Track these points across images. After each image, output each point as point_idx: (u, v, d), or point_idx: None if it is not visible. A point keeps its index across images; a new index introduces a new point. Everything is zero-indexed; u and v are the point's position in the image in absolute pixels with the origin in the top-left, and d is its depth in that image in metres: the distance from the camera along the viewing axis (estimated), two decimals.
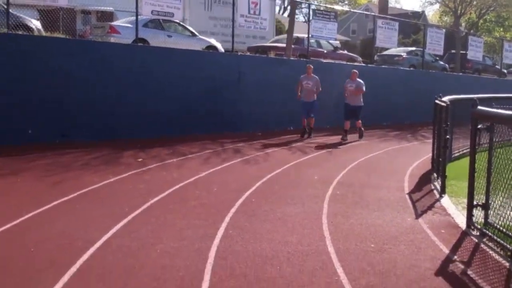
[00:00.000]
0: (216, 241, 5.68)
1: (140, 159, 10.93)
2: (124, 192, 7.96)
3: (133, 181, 8.78)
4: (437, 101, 10.16)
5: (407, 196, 8.32)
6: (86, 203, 7.22)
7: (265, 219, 6.60)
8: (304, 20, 53.03)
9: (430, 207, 7.63)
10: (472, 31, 34.25)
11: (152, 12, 15.05)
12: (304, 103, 15.38)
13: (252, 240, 5.74)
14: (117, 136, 13.34)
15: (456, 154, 12.04)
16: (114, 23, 17.53)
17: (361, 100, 15.80)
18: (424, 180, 9.71)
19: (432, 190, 8.82)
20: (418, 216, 7.09)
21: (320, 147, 13.80)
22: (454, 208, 7.48)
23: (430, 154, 11.10)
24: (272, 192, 8.22)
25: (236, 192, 8.11)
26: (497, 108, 7.24)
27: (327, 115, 18.31)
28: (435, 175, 9.59)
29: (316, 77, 15.41)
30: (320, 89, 15.42)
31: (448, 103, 9.30)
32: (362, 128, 16.03)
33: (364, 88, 15.61)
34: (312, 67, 15.63)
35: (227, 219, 6.54)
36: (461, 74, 27.57)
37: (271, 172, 9.87)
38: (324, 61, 20.85)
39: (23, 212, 6.52)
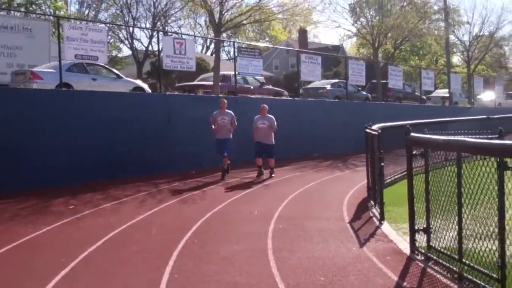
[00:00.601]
0: (162, 286, 5.47)
1: (72, 206, 10.53)
2: (59, 242, 7.60)
3: (67, 230, 8.42)
4: (368, 130, 10.37)
5: (348, 225, 8.38)
6: (20, 256, 6.84)
7: (210, 260, 6.45)
8: (227, 57, 53.60)
9: (372, 234, 7.70)
10: (389, 61, 35.58)
11: (75, 56, 14.77)
12: (218, 141, 14.23)
13: (200, 284, 5.57)
14: (45, 184, 12.81)
15: (388, 180, 12.27)
16: (36, 69, 17.04)
17: (273, 138, 14.75)
18: (362, 208, 9.82)
19: (371, 217, 8.92)
20: (362, 244, 7.13)
21: (254, 182, 13.76)
22: (395, 234, 7.57)
23: (364, 182, 11.28)
24: (213, 231, 8.07)
25: (177, 233, 7.91)
26: (429, 133, 7.44)
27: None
28: (372, 202, 9.74)
29: (231, 112, 14.41)
30: (236, 124, 14.41)
31: (379, 131, 9.50)
32: (273, 168, 14.94)
33: (276, 125, 14.67)
34: (226, 102, 14.65)
35: (171, 262, 6.34)
36: (383, 102, 28.48)
37: (210, 211, 9.72)
38: (253, 96, 21.04)
39: None
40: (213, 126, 14.12)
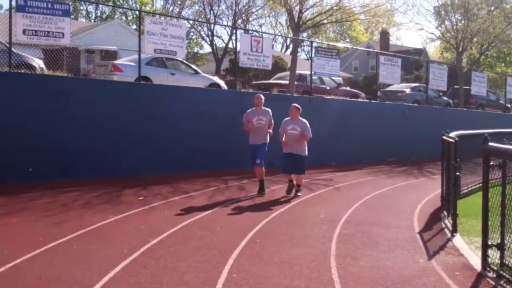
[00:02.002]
0: (219, 286, 5.40)
1: (141, 198, 10.71)
2: (124, 233, 7.70)
3: (134, 221, 8.53)
4: (444, 137, 9.95)
5: (417, 235, 8.03)
6: (85, 244, 6.95)
7: (271, 261, 6.32)
8: (306, 57, 53.36)
9: (442, 247, 7.33)
10: (474, 66, 34.30)
11: (155, 50, 15.02)
12: (253, 147, 11.43)
13: (257, 285, 5.45)
14: (119, 173, 13.14)
15: (464, 191, 11.74)
16: (117, 61, 17.51)
17: (306, 148, 11.55)
18: (434, 218, 9.42)
19: (443, 228, 8.53)
20: (430, 257, 6.80)
21: (325, 184, 13.54)
22: (467, 248, 7.18)
23: (439, 191, 10.86)
24: (277, 232, 7.94)
25: (240, 232, 7.84)
26: (509, 143, 7.03)
27: (330, 151, 18.21)
28: (445, 213, 9.32)
29: (269, 110, 11.63)
30: (273, 124, 11.68)
31: (457, 139, 9.08)
32: (301, 185, 11.80)
33: (310, 133, 11.47)
34: (263, 97, 11.70)
35: (230, 261, 6.26)
36: (465, 109, 27.47)
37: (276, 211, 9.61)
38: (328, 97, 20.79)
39: (18, 254, 6.26)
40: (248, 128, 11.49)
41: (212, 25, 43.68)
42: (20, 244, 6.84)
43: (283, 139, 11.41)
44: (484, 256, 6.16)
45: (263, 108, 11.56)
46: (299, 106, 11.58)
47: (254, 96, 11.77)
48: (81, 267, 5.91)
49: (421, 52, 53.65)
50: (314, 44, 20.77)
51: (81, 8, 49.09)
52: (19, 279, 5.48)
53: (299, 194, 11.46)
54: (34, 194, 10.68)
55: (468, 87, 27.82)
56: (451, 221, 8.37)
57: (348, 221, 8.93)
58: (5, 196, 10.37)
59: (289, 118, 11.50)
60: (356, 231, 8.16)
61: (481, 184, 9.18)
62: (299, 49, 32.02)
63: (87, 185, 11.74)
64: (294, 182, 11.57)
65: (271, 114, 11.59)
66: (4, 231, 7.69)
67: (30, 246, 6.72)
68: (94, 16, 49.98)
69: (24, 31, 12.58)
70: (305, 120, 11.44)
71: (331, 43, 35.89)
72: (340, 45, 46.95)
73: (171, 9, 46.43)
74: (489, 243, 6.10)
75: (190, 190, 11.83)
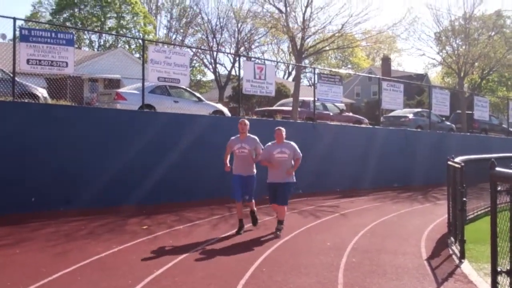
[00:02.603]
0: None
1: (145, 227, 10.62)
2: (128, 263, 7.61)
3: (138, 251, 8.43)
4: (450, 163, 9.88)
5: (425, 262, 7.92)
6: (88, 275, 6.86)
7: None
8: (308, 84, 53.55)
9: (451, 274, 7.23)
10: (476, 91, 34.36)
11: (158, 78, 15.07)
12: (237, 178, 10.21)
13: None
14: (122, 202, 13.06)
15: (470, 216, 11.64)
16: (121, 90, 17.57)
17: (294, 174, 10.31)
18: (441, 245, 9.31)
19: (450, 255, 8.42)
20: (439, 284, 6.70)
21: (330, 211, 13.43)
22: (476, 275, 7.08)
23: (445, 217, 10.77)
24: (283, 261, 7.84)
25: (246, 261, 7.74)
26: None
27: (334, 177, 18.16)
28: (452, 239, 9.22)
29: (255, 137, 10.42)
30: (260, 154, 10.32)
31: (463, 164, 9.02)
32: (283, 220, 10.24)
33: (300, 154, 10.39)
34: (247, 122, 10.55)
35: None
36: (468, 134, 27.43)
37: (281, 239, 9.51)
38: (332, 123, 20.81)
39: (21, 286, 6.20)
40: (227, 161, 10.43)
41: (215, 53, 43.94)
42: (24, 275, 6.77)
43: (269, 166, 10.16)
44: (494, 283, 6.04)
45: (248, 135, 10.40)
46: (283, 129, 10.33)
47: (239, 121, 10.61)
48: None
49: (422, 77, 53.89)
50: (317, 71, 20.82)
51: (85, 37, 49.47)
52: None
53: (278, 232, 9.89)
54: (37, 224, 10.61)
55: (470, 112, 27.83)
56: (458, 247, 8.27)
57: (355, 248, 8.83)
58: (8, 226, 10.31)
59: (271, 142, 10.31)
60: (363, 258, 8.06)
61: (487, 209, 9.13)
62: (301, 76, 32.17)
63: (91, 215, 11.67)
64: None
65: (258, 141, 10.36)
66: (8, 262, 7.61)
67: (33, 277, 6.64)
68: (97, 45, 50.32)
69: (28, 61, 12.64)
70: (292, 142, 10.31)
71: (333, 69, 36.01)
72: (343, 71, 47.13)
73: (174, 37, 46.81)
74: (499, 269, 5.98)
75: (195, 218, 11.75)
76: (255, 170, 10.38)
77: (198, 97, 18.42)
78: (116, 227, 10.56)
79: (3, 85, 13.37)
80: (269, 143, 10.31)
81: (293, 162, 10.24)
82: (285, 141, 10.25)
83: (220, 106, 19.22)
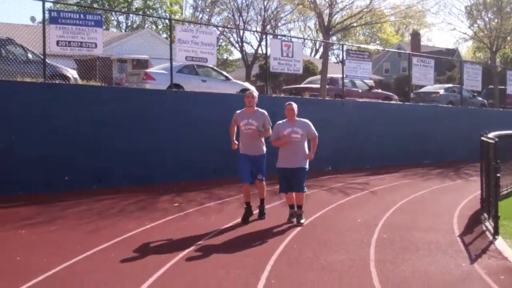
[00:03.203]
0: None
1: (176, 204, 10.72)
2: (160, 240, 7.69)
3: (169, 228, 8.52)
4: (483, 138, 9.71)
5: (458, 239, 7.84)
6: (121, 252, 6.95)
7: (309, 267, 6.22)
8: (336, 61, 53.08)
9: (485, 250, 7.13)
10: (508, 66, 33.65)
11: (186, 58, 15.08)
12: (245, 157, 8.99)
13: None
14: (154, 180, 13.20)
15: (504, 192, 11.45)
16: (149, 70, 17.65)
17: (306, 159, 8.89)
18: (474, 221, 9.19)
19: (484, 231, 8.31)
20: (472, 260, 6.61)
21: (360, 188, 13.37)
22: (510, 251, 6.97)
23: (477, 193, 10.61)
24: (314, 237, 7.84)
25: (277, 237, 7.76)
26: None
27: (364, 155, 18.04)
28: (485, 215, 9.08)
29: (263, 111, 9.08)
30: (271, 130, 9.00)
31: (496, 139, 8.85)
32: (302, 209, 8.95)
33: (316, 132, 9.01)
34: (256, 95, 9.28)
35: (268, 267, 6.18)
36: (501, 109, 26.95)
37: (312, 216, 9.49)
38: (360, 100, 20.64)
39: (57, 263, 6.29)
40: (234, 137, 9.27)
41: (242, 31, 43.77)
42: (58, 252, 6.88)
43: (280, 148, 8.88)
44: None
45: (257, 109, 9.08)
46: (295, 105, 8.95)
47: (246, 94, 9.33)
48: (119, 275, 5.91)
49: (453, 52, 52.95)
50: (345, 47, 20.60)
51: (112, 18, 49.69)
52: (58, 286, 5.49)
53: (302, 221, 8.77)
54: (70, 202, 10.78)
55: (503, 87, 27.29)
56: (492, 223, 8.15)
57: (386, 225, 8.78)
58: (42, 204, 10.50)
59: (282, 121, 8.96)
60: (394, 235, 8.00)
61: None
62: (329, 53, 31.91)
63: (122, 193, 11.81)
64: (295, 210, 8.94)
65: (266, 116, 9.00)
66: (42, 239, 7.75)
67: (68, 254, 6.75)
68: (125, 26, 50.55)
69: (57, 42, 12.75)
70: (306, 120, 8.98)
71: (362, 46, 35.60)
72: (372, 47, 46.47)
73: (200, 16, 46.72)
74: None
75: (225, 196, 11.80)
76: (265, 148, 9.06)
77: (225, 76, 18.42)
78: (148, 205, 10.68)
79: (34, 67, 13.52)
80: (280, 122, 8.93)
81: (306, 150, 8.84)
82: (297, 118, 8.87)
83: (247, 85, 19.19)
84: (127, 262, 6.43)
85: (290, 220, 8.88)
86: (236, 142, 9.12)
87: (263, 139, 9.06)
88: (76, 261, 6.48)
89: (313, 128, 8.91)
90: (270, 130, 8.98)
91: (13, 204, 10.54)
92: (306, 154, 8.81)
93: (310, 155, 8.85)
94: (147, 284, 5.57)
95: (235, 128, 9.30)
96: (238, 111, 9.28)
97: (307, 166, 8.84)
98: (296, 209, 8.92)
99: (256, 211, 9.35)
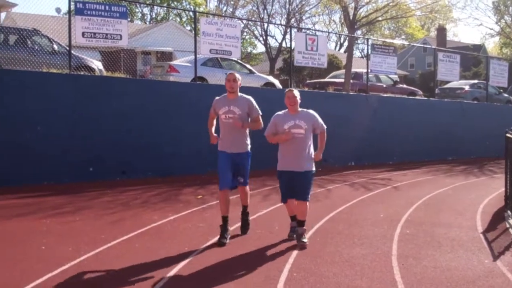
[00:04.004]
0: (280, 285, 5.36)
1: (199, 196, 10.79)
2: (183, 231, 7.77)
3: (193, 219, 8.60)
4: (508, 135, 9.61)
5: (481, 235, 7.78)
6: (146, 242, 7.04)
7: (331, 261, 6.24)
8: (360, 55, 52.74)
9: (508, 247, 7.08)
10: None
11: (210, 51, 15.13)
12: (223, 155, 7.33)
13: (318, 284, 5.39)
14: (176, 172, 13.30)
15: None
16: (173, 62, 17.75)
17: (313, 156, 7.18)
18: (497, 218, 9.11)
19: (507, 228, 8.24)
20: (495, 257, 6.57)
21: (383, 184, 13.32)
22: None
23: (501, 190, 10.51)
24: (336, 232, 7.85)
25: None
26: None
27: (387, 150, 17.95)
28: (509, 212, 9.01)
29: (249, 97, 7.43)
30: (261, 124, 7.44)
31: None
32: (304, 226, 7.16)
33: (324, 124, 7.33)
34: (238, 77, 7.39)
35: (290, 260, 6.22)
36: None
37: (334, 210, 9.51)
38: (385, 95, 20.53)
39: (81, 252, 6.40)
40: (212, 129, 7.59)
41: (266, 24, 43.73)
42: (84, 242, 6.99)
43: (279, 146, 7.27)
44: None
45: (241, 95, 7.39)
46: (297, 93, 7.15)
47: (227, 74, 7.54)
48: (143, 265, 5.99)
49: (479, 48, 52.26)
50: (370, 41, 20.49)
51: (137, 10, 49.96)
52: (84, 276, 5.58)
53: (304, 240, 7.00)
54: (95, 193, 10.92)
55: None
56: None
57: (409, 220, 8.75)
58: (68, 195, 10.66)
59: (283, 111, 7.26)
60: (417, 230, 7.98)
61: None
62: (353, 47, 31.73)
63: (146, 184, 11.94)
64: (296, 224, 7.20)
65: (253, 103, 7.36)
66: (68, 229, 7.87)
67: (92, 243, 6.85)
68: (149, 18, 50.80)
69: (83, 34, 12.88)
70: (311, 111, 7.29)
71: (387, 40, 35.33)
72: (397, 42, 46.12)
73: (224, 9, 46.77)
74: None
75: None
76: (249, 145, 7.45)
77: (249, 69, 18.46)
78: (171, 197, 10.78)
79: (60, 58, 13.70)
80: (279, 113, 7.24)
81: (312, 149, 7.19)
82: (300, 109, 7.19)
83: (271, 78, 19.20)
84: (151, 252, 6.51)
85: (290, 235, 7.33)
86: (216, 136, 7.44)
87: (247, 132, 7.40)
88: (100, 250, 6.58)
89: (320, 120, 7.22)
90: (261, 121, 7.38)
91: (38, 194, 10.71)
92: (312, 153, 7.15)
93: (317, 154, 7.20)
94: (172, 273, 5.65)
95: (214, 118, 7.68)
96: (217, 97, 7.57)
97: (313, 169, 7.14)
98: (296, 225, 7.17)
99: (235, 226, 7.78)
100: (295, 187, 7.03)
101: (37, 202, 9.92)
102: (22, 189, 10.96)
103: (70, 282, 5.37)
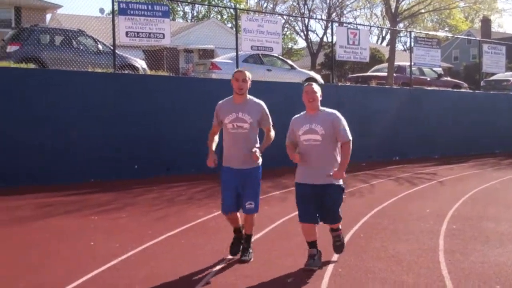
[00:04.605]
0: (325, 280, 5.35)
1: None
2: (228, 227, 7.77)
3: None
4: None
5: None
6: (191, 238, 7.13)
7: (377, 256, 6.19)
8: (403, 48, 52.02)
9: None
10: None
11: (251, 47, 15.18)
12: (228, 174, 6.31)
13: (364, 280, 5.36)
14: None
15: None
16: (215, 59, 17.86)
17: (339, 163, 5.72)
18: None
19: None
20: None
21: (428, 178, 13.13)
22: None
23: None
24: (381, 227, 7.79)
25: (343, 226, 7.70)
26: None
27: (432, 144, 17.68)
28: None
29: (260, 102, 6.22)
30: (273, 132, 6.31)
31: None
32: (343, 238, 6.25)
33: (349, 134, 5.79)
34: (248, 75, 6.10)
35: (335, 255, 6.19)
36: None
37: (378, 205, 9.42)
38: (429, 88, 20.21)
39: (128, 248, 6.51)
40: (213, 146, 6.40)
41: (307, 20, 43.56)
42: (130, 238, 7.11)
43: (297, 155, 5.78)
44: None
45: (249, 97, 6.16)
46: (317, 88, 5.69)
47: (234, 72, 6.19)
48: (189, 260, 6.06)
49: None
50: (413, 34, 20.19)
51: (178, 9, 50.43)
52: (131, 271, 5.68)
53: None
54: (140, 190, 11.10)
55: None
56: None
57: (455, 215, 8.61)
58: (114, 192, 10.87)
59: (301, 114, 5.92)
60: (464, 225, 7.85)
61: None
62: (396, 40, 31.34)
63: (190, 181, 12.07)
64: (317, 253, 5.84)
65: (266, 110, 6.12)
66: (115, 225, 8.03)
67: (139, 239, 6.97)
68: (190, 16, 51.21)
69: (127, 33, 13.10)
70: (333, 111, 5.75)
71: (430, 33, 34.76)
72: (440, 34, 45.28)
73: (265, 5, 46.79)
74: None
75: (290, 185, 11.77)
76: (260, 159, 6.18)
77: (290, 65, 18.42)
78: (215, 193, 10.81)
79: (104, 58, 13.97)
80: (297, 116, 5.96)
81: (338, 160, 5.72)
82: (322, 108, 5.74)
83: (312, 74, 19.14)
84: (197, 248, 6.59)
85: (309, 264, 5.66)
86: (215, 157, 6.19)
87: (257, 141, 6.15)
88: (147, 246, 6.69)
89: (344, 126, 5.64)
90: (272, 132, 6.25)
91: (85, 191, 10.95)
92: (338, 170, 5.58)
93: (337, 172, 5.56)
94: (217, 267, 5.71)
95: (218, 129, 6.40)
96: (220, 102, 6.41)
97: (341, 182, 5.76)
98: (331, 233, 6.12)
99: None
100: (320, 207, 5.72)
101: (84, 200, 10.15)
102: (69, 186, 11.22)
103: (118, 278, 5.47)
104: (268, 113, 6.08)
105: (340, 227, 6.08)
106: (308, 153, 5.66)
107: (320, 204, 5.69)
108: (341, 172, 5.62)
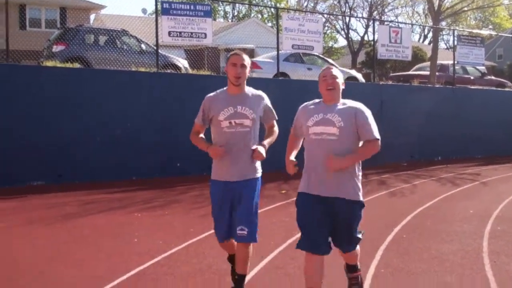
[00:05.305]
0: (367, 282, 5.35)
1: (283, 191, 10.89)
2: (269, 226, 7.87)
3: (278, 214, 8.70)
4: None
5: None
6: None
7: (419, 257, 6.15)
8: (445, 47, 51.23)
9: None
10: None
11: (292, 46, 15.21)
12: (220, 190, 4.86)
13: (407, 281, 5.34)
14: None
15: None
16: (256, 58, 17.93)
17: (359, 173, 4.28)
18: None
19: None
20: None
21: (471, 179, 12.92)
22: None
23: None
24: (424, 228, 7.72)
25: (385, 227, 7.71)
26: None
27: (475, 144, 17.41)
28: None
29: (260, 93, 4.90)
30: (276, 127, 5.13)
31: None
32: (362, 282, 4.81)
33: (377, 132, 4.12)
34: (246, 60, 4.73)
35: (377, 256, 6.18)
36: None
37: (421, 206, 9.34)
38: (472, 87, 19.88)
39: (172, 245, 6.62)
40: (200, 138, 5.03)
41: (348, 18, 43.29)
42: (173, 235, 7.23)
43: (292, 165, 4.56)
44: None
45: (248, 89, 4.90)
46: (338, 74, 4.38)
47: (229, 55, 4.85)
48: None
49: None
50: (456, 32, 19.88)
51: (219, 8, 50.72)
52: (174, 267, 5.79)
53: None
54: (183, 187, 11.26)
55: None
56: None
57: (499, 216, 8.47)
58: (158, 189, 11.05)
59: (314, 102, 4.54)
60: (509, 227, 7.72)
61: None
62: (438, 39, 30.91)
63: None
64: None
65: (269, 103, 4.97)
66: (158, 222, 8.17)
67: (182, 237, 7.08)
68: (231, 15, 51.44)
69: (169, 33, 13.27)
70: (357, 104, 4.32)
71: (474, 31, 34.17)
72: (484, 32, 44.46)
73: (305, 4, 46.68)
74: None
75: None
76: (259, 168, 5.03)
77: (331, 64, 18.35)
78: None
79: (147, 57, 14.19)
80: (308, 103, 4.57)
81: (358, 166, 4.29)
82: (344, 100, 4.39)
83: (353, 72, 19.03)
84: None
85: None
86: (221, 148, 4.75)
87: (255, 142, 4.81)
88: (190, 243, 6.79)
89: (371, 121, 4.18)
90: (276, 127, 5.12)
91: (128, 189, 11.16)
92: (359, 174, 4.30)
93: (337, 159, 4.06)
94: (259, 267, 5.77)
95: (203, 128, 5.06)
96: (210, 95, 4.99)
97: (361, 197, 4.36)
98: (347, 274, 4.79)
99: None
100: (335, 230, 4.30)
101: (127, 197, 10.34)
102: (113, 184, 11.45)
103: (162, 274, 5.58)
104: (270, 105, 4.89)
105: (359, 266, 4.72)
106: (317, 153, 4.16)
107: (332, 222, 4.21)
108: (343, 161, 4.04)
